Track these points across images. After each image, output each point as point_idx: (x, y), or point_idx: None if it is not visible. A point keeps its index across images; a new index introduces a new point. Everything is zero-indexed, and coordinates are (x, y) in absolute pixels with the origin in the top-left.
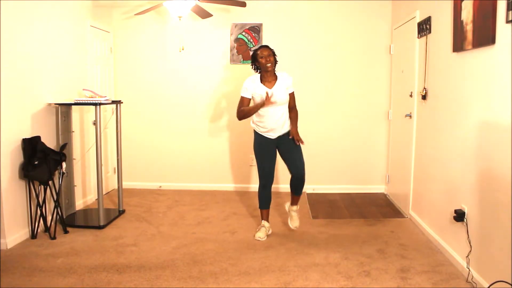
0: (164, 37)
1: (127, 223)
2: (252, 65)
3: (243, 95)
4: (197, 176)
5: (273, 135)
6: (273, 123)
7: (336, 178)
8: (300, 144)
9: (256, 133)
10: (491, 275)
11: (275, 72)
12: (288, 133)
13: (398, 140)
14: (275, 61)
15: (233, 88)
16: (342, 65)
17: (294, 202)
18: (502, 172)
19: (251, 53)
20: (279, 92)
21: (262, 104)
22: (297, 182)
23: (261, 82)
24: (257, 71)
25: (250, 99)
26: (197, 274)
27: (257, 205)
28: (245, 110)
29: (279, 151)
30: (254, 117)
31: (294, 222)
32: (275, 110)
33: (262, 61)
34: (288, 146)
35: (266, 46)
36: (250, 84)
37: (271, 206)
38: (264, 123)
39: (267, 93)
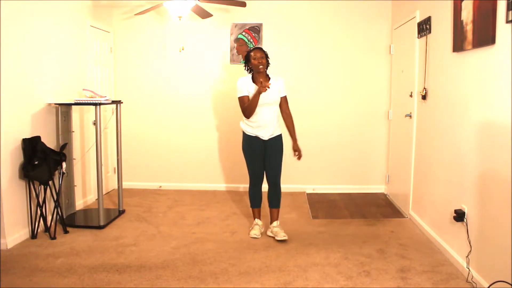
0: (164, 37)
1: (127, 223)
2: (245, 66)
3: (241, 95)
4: (197, 176)
5: (263, 135)
6: (264, 121)
7: (336, 178)
8: (282, 153)
9: (244, 134)
10: (491, 275)
11: (268, 74)
12: (276, 138)
13: (398, 140)
14: (267, 64)
15: (233, 88)
16: (342, 65)
17: (273, 217)
18: (502, 172)
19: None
20: (270, 93)
21: (259, 91)
22: (272, 189)
23: (254, 82)
24: (249, 72)
25: (248, 96)
26: (197, 274)
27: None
28: (250, 104)
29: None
30: (245, 118)
31: (279, 236)
32: (266, 110)
33: (255, 62)
34: (272, 151)
35: (260, 48)
36: (243, 83)
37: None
38: (257, 122)
39: (262, 82)
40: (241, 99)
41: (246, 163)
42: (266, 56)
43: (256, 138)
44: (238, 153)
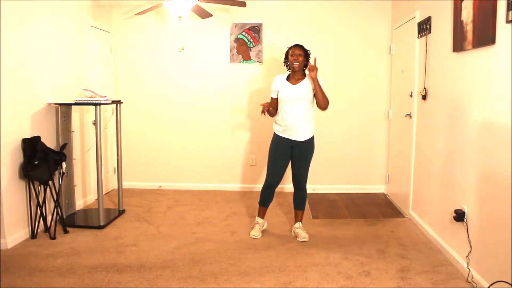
0: (164, 37)
1: (127, 223)
2: (284, 62)
3: (271, 96)
4: (197, 176)
5: (292, 135)
6: (292, 120)
7: (336, 178)
8: (311, 158)
9: (274, 134)
10: (491, 275)
11: (305, 72)
12: (307, 142)
13: (398, 140)
14: (306, 62)
15: (233, 88)
16: (342, 65)
17: (296, 218)
18: (502, 172)
19: (251, 52)
20: (301, 90)
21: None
22: (298, 192)
23: (288, 79)
24: (288, 69)
25: (276, 98)
26: (197, 274)
27: (257, 205)
28: (270, 110)
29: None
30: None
31: (300, 237)
32: (294, 107)
33: (291, 60)
34: (301, 155)
35: (299, 46)
36: (276, 82)
37: (273, 205)
38: (285, 121)
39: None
40: (271, 100)
41: (268, 163)
42: (306, 54)
43: (285, 140)
44: (238, 153)
